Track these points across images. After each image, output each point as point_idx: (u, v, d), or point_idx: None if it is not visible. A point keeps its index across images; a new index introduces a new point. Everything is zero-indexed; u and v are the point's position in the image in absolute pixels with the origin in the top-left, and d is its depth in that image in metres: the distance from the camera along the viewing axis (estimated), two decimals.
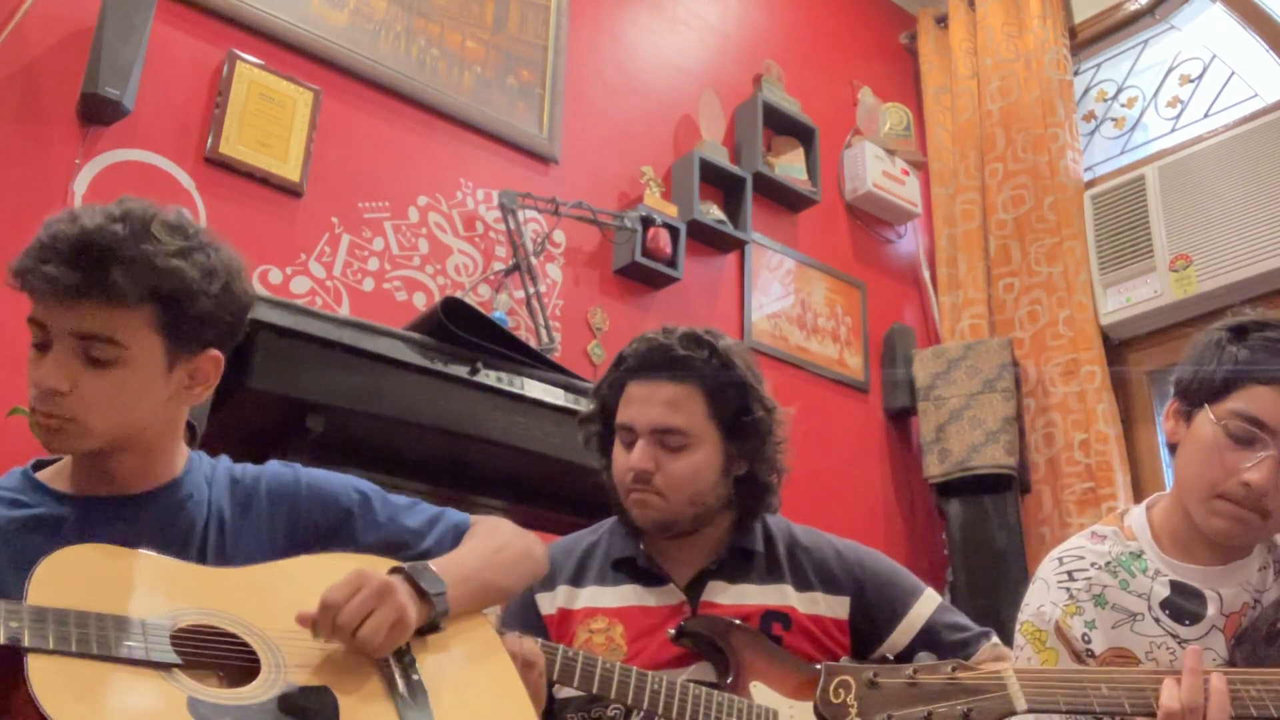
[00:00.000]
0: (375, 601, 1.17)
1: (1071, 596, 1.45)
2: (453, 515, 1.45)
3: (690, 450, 1.67)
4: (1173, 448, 1.52)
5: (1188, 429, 1.47)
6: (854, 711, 1.11)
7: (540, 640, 1.47)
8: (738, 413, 1.70)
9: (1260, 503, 1.38)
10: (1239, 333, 1.45)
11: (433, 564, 1.30)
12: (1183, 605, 1.42)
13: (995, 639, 1.73)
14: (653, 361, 1.70)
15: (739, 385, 1.71)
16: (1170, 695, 1.19)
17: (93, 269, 1.15)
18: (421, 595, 1.24)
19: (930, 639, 1.69)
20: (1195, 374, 1.46)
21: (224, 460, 1.39)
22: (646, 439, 1.67)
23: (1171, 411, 1.51)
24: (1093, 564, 1.47)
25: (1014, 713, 1.16)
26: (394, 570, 1.26)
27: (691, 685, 1.54)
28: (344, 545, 1.34)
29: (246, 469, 1.38)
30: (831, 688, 1.12)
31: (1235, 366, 1.41)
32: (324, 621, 1.16)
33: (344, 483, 1.41)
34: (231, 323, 1.28)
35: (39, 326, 1.19)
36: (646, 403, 1.68)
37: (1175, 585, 1.44)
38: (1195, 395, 1.46)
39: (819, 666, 1.63)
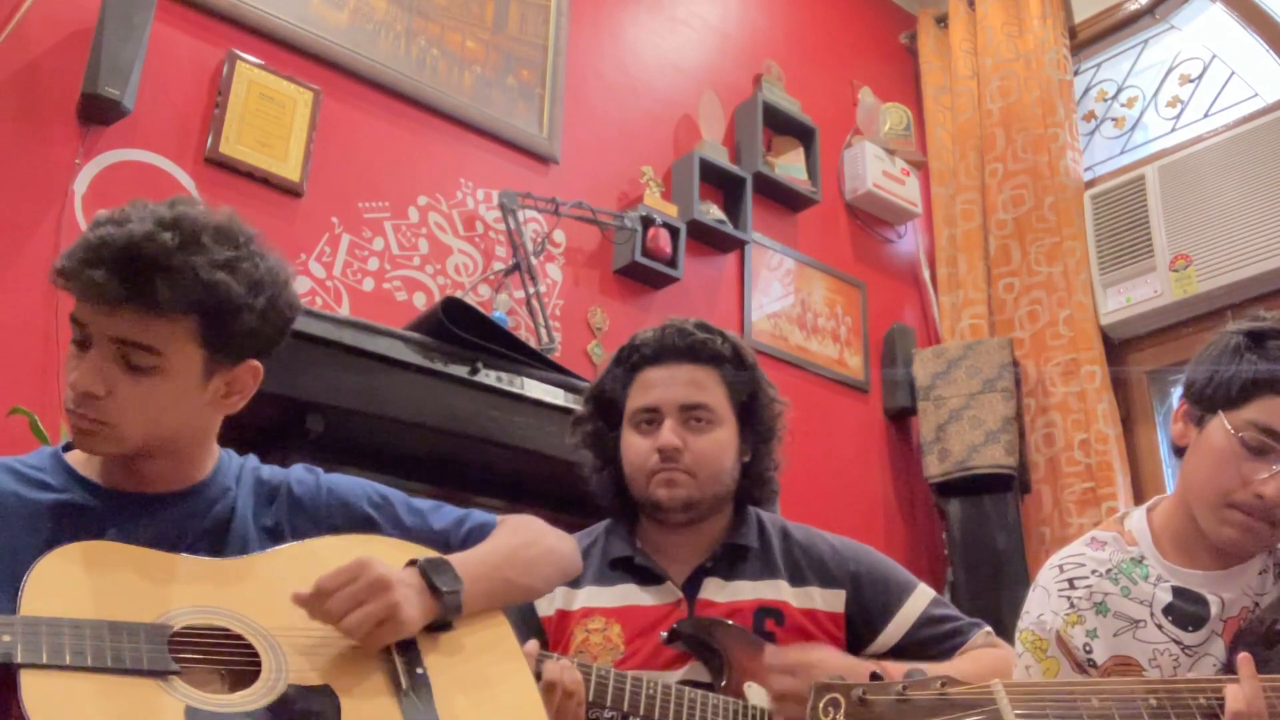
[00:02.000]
0: (367, 594, 1.17)
1: (1072, 605, 1.44)
2: (479, 516, 1.44)
3: (714, 427, 1.71)
4: (1178, 450, 1.50)
5: (1199, 434, 1.45)
6: None
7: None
8: (751, 397, 1.76)
9: (1273, 513, 1.37)
10: (1257, 339, 1.42)
11: (452, 559, 1.29)
12: (1186, 610, 1.41)
13: (988, 628, 1.73)
14: (672, 346, 1.74)
15: (751, 370, 1.77)
16: (1236, 698, 1.17)
17: (137, 278, 1.14)
18: (434, 591, 1.24)
19: (924, 633, 1.70)
20: (1210, 379, 1.44)
21: (252, 459, 1.39)
22: (674, 417, 1.70)
23: (1181, 414, 1.49)
24: (1093, 571, 1.46)
25: None
26: (411, 562, 1.26)
27: (687, 689, 1.54)
28: None
29: (275, 471, 1.38)
30: (820, 706, 1.11)
31: (1255, 375, 1.39)
32: (314, 605, 1.16)
33: (365, 488, 1.40)
34: (273, 335, 1.27)
35: (79, 325, 1.18)
36: (670, 384, 1.72)
37: (1178, 591, 1.43)
38: (1209, 401, 1.43)
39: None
